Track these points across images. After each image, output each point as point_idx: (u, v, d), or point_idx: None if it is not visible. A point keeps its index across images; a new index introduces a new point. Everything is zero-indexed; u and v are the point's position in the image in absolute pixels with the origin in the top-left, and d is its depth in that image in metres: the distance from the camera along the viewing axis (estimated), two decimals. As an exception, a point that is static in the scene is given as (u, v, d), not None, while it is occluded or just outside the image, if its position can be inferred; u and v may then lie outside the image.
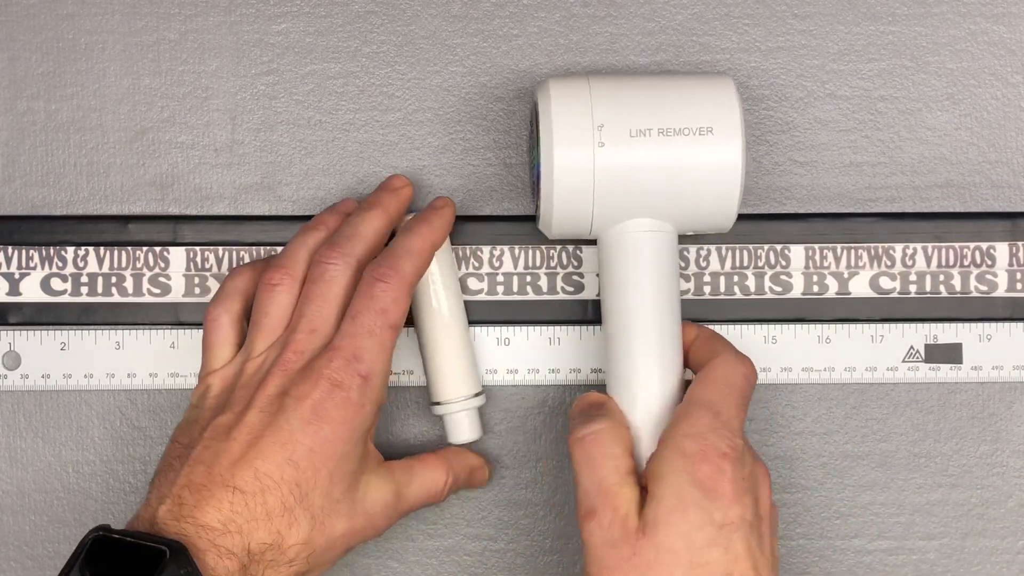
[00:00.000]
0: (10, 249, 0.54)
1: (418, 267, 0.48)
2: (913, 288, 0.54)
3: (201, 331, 0.54)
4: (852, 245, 0.54)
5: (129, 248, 0.54)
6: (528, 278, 0.54)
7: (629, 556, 0.43)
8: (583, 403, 0.48)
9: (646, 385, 0.47)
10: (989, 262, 0.54)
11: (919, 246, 0.54)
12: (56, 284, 0.54)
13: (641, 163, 0.47)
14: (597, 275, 0.54)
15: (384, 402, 0.47)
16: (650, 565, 0.42)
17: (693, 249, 0.54)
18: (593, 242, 0.54)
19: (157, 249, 0.54)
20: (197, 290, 0.54)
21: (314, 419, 0.45)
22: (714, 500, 0.43)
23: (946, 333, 0.54)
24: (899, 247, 0.54)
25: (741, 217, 0.54)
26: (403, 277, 0.47)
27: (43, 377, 0.54)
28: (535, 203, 0.50)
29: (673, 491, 0.43)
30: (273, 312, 0.48)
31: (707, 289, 0.54)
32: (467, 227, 0.54)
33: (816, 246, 0.54)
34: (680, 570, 0.42)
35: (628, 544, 0.43)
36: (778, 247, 0.54)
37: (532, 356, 0.54)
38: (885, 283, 0.54)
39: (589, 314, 0.54)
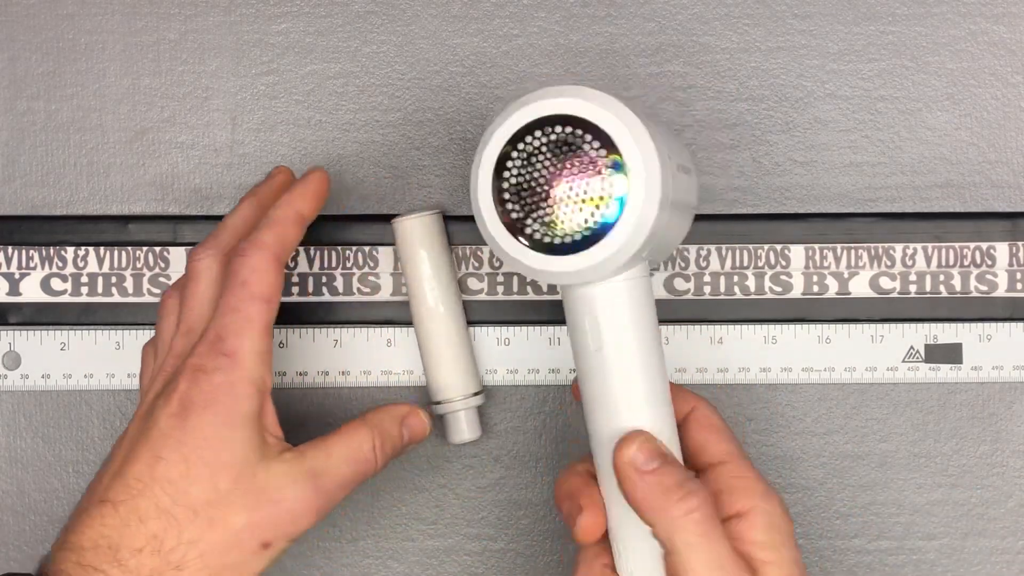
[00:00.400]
0: (10, 249, 0.54)
1: (281, 235, 0.45)
2: (913, 288, 0.54)
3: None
4: (852, 245, 0.54)
5: (129, 248, 0.54)
6: (528, 278, 0.54)
7: None
8: (650, 453, 0.41)
9: None
10: (989, 262, 0.54)
11: (919, 246, 0.54)
12: (56, 284, 0.54)
13: (685, 202, 0.43)
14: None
15: (268, 382, 0.44)
16: None
17: (693, 249, 0.54)
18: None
19: (157, 249, 0.54)
20: (197, 290, 0.54)
21: (180, 411, 0.42)
22: None
23: (946, 333, 0.54)
24: (899, 247, 0.54)
25: (741, 217, 0.54)
26: (262, 246, 0.44)
27: (43, 377, 0.54)
28: (505, 237, 0.42)
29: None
30: (163, 327, 0.47)
31: (707, 289, 0.54)
32: (467, 227, 0.54)
33: (816, 246, 0.54)
34: None
35: None
36: (778, 247, 0.54)
37: (532, 356, 0.54)
38: (885, 283, 0.54)
39: (589, 314, 0.54)
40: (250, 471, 0.42)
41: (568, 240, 0.41)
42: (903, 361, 0.54)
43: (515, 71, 0.54)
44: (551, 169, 0.41)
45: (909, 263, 0.54)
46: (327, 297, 0.54)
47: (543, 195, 0.41)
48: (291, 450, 0.44)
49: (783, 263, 0.54)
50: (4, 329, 0.54)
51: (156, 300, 0.54)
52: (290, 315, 0.54)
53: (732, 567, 0.40)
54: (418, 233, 0.52)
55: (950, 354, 0.54)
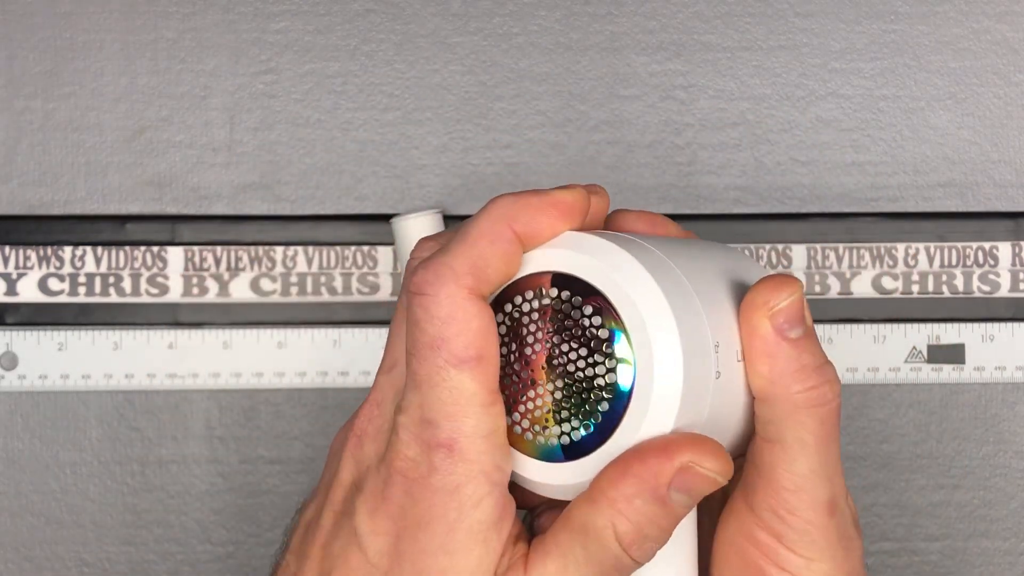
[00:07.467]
0: (7, 249, 0.54)
1: (476, 258, 0.31)
2: (915, 288, 0.54)
3: (197, 331, 0.54)
4: (854, 245, 0.54)
5: (127, 248, 0.54)
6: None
7: None
8: (797, 314, 0.33)
9: None
10: (992, 262, 0.54)
11: (921, 246, 0.54)
12: (53, 284, 0.54)
13: (739, 398, 0.33)
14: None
15: (506, 468, 0.33)
16: None
17: (694, 249, 0.54)
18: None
19: (155, 249, 0.54)
20: (195, 290, 0.54)
21: (391, 531, 0.33)
22: None
23: (948, 333, 0.54)
24: (901, 247, 0.54)
25: (742, 217, 0.54)
26: (448, 277, 0.31)
27: (40, 378, 0.54)
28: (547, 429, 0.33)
29: None
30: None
31: (708, 289, 0.54)
32: (467, 227, 0.54)
33: (818, 246, 0.54)
34: None
35: None
36: (780, 247, 0.54)
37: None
38: (887, 283, 0.54)
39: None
40: None
41: (561, 441, 0.32)
42: (905, 361, 0.54)
43: (515, 70, 0.54)
44: (535, 346, 0.32)
45: (911, 263, 0.54)
46: (326, 297, 0.54)
47: (528, 380, 0.32)
48: (516, 565, 0.32)
49: (785, 263, 0.54)
50: (1, 329, 0.54)
51: (154, 300, 0.54)
52: (289, 315, 0.54)
53: (840, 483, 0.33)
54: (418, 233, 0.52)
55: (952, 355, 0.54)
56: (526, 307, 0.32)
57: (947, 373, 0.54)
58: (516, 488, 0.33)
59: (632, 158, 0.54)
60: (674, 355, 0.30)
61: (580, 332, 0.31)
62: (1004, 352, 0.54)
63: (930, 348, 0.54)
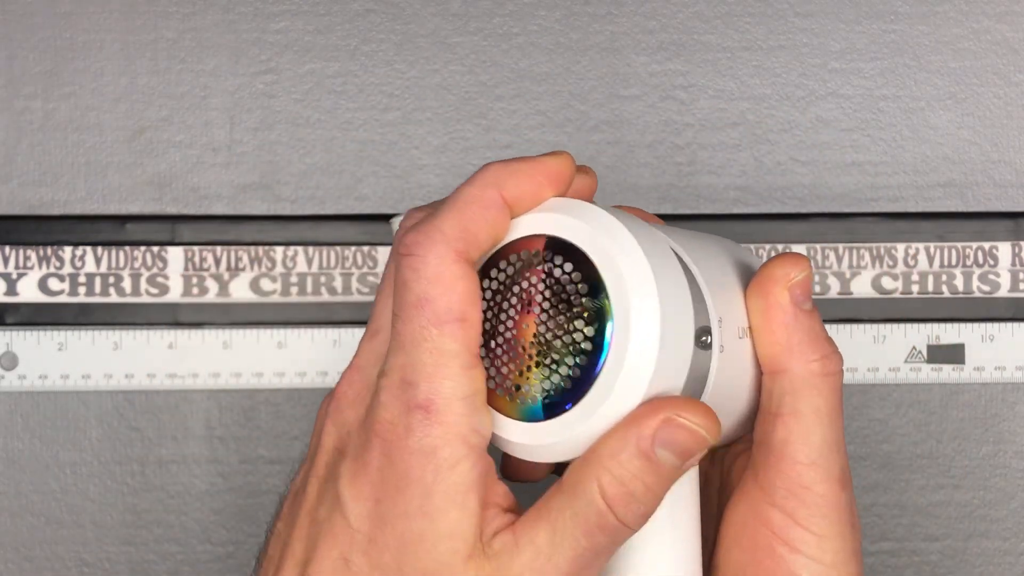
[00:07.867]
0: (7, 249, 0.54)
1: (466, 223, 0.32)
2: (915, 288, 0.54)
3: (197, 331, 0.54)
4: (854, 245, 0.54)
5: (127, 248, 0.54)
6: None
7: None
8: (809, 290, 0.35)
9: None
10: (992, 262, 0.54)
11: (921, 246, 0.54)
12: (53, 284, 0.54)
13: (745, 373, 0.35)
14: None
15: (486, 431, 0.32)
16: None
17: (694, 249, 0.54)
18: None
19: (155, 249, 0.54)
20: (195, 290, 0.54)
21: (371, 495, 0.33)
22: None
23: (948, 333, 0.54)
24: (901, 247, 0.54)
25: (742, 217, 0.54)
26: (438, 239, 0.31)
27: (40, 378, 0.54)
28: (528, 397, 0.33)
29: None
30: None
31: (708, 289, 0.54)
32: (467, 227, 0.54)
33: (818, 245, 0.54)
34: None
35: None
36: (780, 247, 0.54)
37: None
38: (887, 283, 0.54)
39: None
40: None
41: (543, 400, 0.32)
42: (905, 361, 0.54)
43: (515, 70, 0.54)
44: (519, 307, 0.33)
45: (911, 263, 0.54)
46: (325, 297, 0.54)
47: (512, 343, 0.33)
48: (505, 531, 0.32)
49: (785, 263, 0.54)
50: (1, 329, 0.54)
51: (154, 300, 0.54)
52: (289, 314, 0.54)
53: (845, 456, 0.35)
54: (417, 233, 0.52)
55: (952, 354, 0.54)
56: (511, 271, 0.33)
57: (947, 373, 0.54)
58: (507, 459, 0.34)
59: (632, 158, 0.54)
60: (652, 314, 0.31)
61: (561, 290, 0.32)
62: (1004, 352, 0.54)
63: (930, 348, 0.54)
